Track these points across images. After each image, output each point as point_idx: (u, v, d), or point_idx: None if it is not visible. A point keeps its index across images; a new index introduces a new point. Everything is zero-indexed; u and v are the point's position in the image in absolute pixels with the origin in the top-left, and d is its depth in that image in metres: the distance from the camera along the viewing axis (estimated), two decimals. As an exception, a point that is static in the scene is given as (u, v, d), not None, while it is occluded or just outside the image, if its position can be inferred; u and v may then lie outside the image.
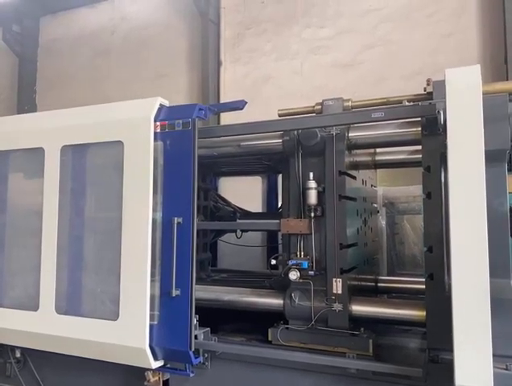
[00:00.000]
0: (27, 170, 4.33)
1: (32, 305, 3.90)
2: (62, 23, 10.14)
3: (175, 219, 3.44)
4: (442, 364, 2.97)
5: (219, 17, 8.52)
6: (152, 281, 3.48)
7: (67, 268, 3.88)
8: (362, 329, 3.49)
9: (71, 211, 3.91)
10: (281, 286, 3.87)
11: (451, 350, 2.63)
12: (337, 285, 3.47)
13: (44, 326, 3.85)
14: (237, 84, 8.35)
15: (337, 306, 3.46)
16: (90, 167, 3.95)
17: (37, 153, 3.97)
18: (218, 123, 7.54)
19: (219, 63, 8.46)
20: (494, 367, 2.55)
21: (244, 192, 5.99)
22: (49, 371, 4.38)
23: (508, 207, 2.92)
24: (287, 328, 3.65)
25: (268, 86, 8.14)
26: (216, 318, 3.96)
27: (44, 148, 3.96)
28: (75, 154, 3.93)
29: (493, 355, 2.52)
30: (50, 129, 4.02)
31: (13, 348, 4.38)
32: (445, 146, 2.80)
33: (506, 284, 2.87)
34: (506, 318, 2.77)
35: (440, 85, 3.01)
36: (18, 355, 4.40)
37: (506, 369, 2.71)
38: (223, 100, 8.25)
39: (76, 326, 3.72)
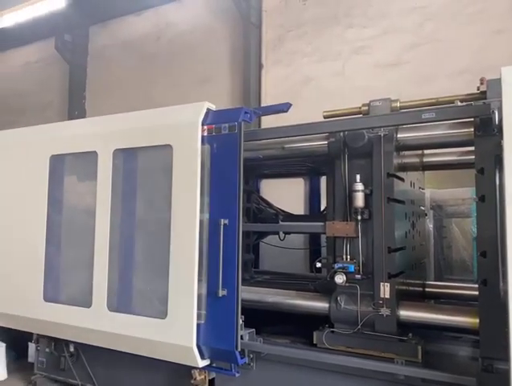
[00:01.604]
0: (81, 172, 4.54)
1: (86, 302, 4.07)
2: (110, 31, 10.55)
3: (222, 220, 3.50)
4: (496, 374, 2.86)
5: (260, 20, 8.57)
6: (199, 280, 3.55)
7: (118, 267, 4.03)
8: (410, 334, 3.42)
9: (122, 213, 4.06)
10: (326, 289, 3.84)
11: (506, 359, 2.53)
12: (385, 290, 3.41)
13: (96, 322, 4.02)
14: (278, 87, 8.36)
15: (385, 311, 3.40)
16: (140, 170, 4.09)
17: (90, 157, 4.15)
18: (259, 125, 7.58)
19: (260, 66, 8.51)
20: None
21: (286, 194, 5.99)
22: (100, 365, 4.55)
23: None
24: (333, 332, 3.63)
25: (309, 88, 8.10)
26: (259, 319, 3.98)
27: (97, 152, 4.14)
28: (126, 158, 4.08)
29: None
30: (102, 133, 4.19)
31: (67, 343, 4.60)
32: (500, 147, 2.71)
33: None
34: None
35: (495, 84, 2.91)
36: (71, 349, 4.61)
37: None
38: (264, 102, 8.29)
39: (126, 324, 3.85)
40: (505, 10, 6.86)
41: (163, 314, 3.64)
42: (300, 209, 5.97)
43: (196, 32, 9.26)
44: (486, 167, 3.06)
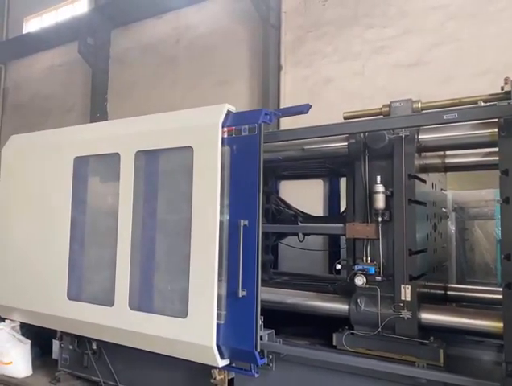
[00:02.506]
0: (104, 173, 4.63)
1: (108, 300, 4.15)
2: (131, 35, 10.72)
3: (242, 221, 3.52)
4: (521, 379, 2.80)
5: (280, 21, 8.58)
6: (219, 281, 3.58)
7: (139, 266, 4.09)
8: (432, 338, 3.38)
9: (144, 213, 4.13)
10: (346, 291, 3.83)
11: (532, 365, 2.48)
12: (406, 292, 3.38)
13: (118, 320, 4.09)
14: (297, 88, 8.35)
15: (406, 313, 3.37)
16: (162, 171, 4.15)
17: (113, 158, 4.24)
18: (278, 127, 7.58)
19: (279, 68, 8.51)
20: None
21: (305, 195, 5.98)
22: (122, 363, 4.63)
23: None
24: (353, 334, 3.61)
25: (329, 88, 8.07)
26: (278, 320, 3.99)
27: (120, 153, 4.22)
28: (148, 159, 4.15)
29: None
30: (125, 135, 4.27)
31: (90, 340, 4.69)
32: (526, 148, 2.66)
33: None
34: None
35: (520, 84, 2.86)
36: (94, 346, 4.71)
37: None
38: (283, 104, 8.28)
39: (147, 322, 3.91)
40: (529, 8, 6.71)
41: (183, 313, 3.68)
42: (319, 210, 5.95)
43: (216, 34, 9.33)
44: (511, 169, 3.01)
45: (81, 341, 4.80)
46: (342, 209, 5.20)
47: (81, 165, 4.61)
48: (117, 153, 4.22)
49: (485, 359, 3.42)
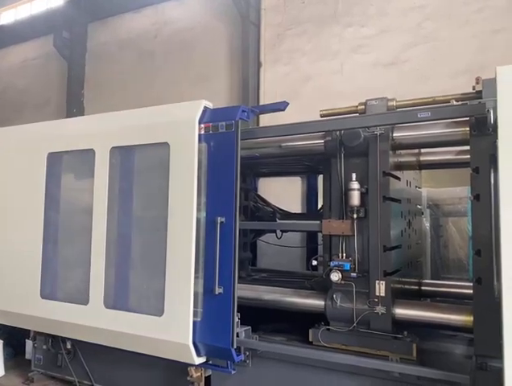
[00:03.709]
0: (79, 170, 4.54)
1: (83, 299, 4.08)
2: (108, 29, 10.55)
3: (219, 218, 3.51)
4: (490, 372, 2.88)
5: (259, 18, 8.58)
6: (196, 278, 3.56)
7: (115, 264, 4.04)
8: (405, 332, 3.44)
9: (119, 210, 4.07)
10: (322, 287, 3.87)
11: (500, 357, 2.55)
12: (380, 288, 3.43)
13: (93, 319, 4.03)
14: (276, 85, 8.37)
15: (380, 309, 3.42)
16: (137, 168, 4.10)
17: (88, 155, 4.16)
18: (257, 124, 7.59)
19: (259, 65, 8.52)
20: (548, 376, 2.45)
21: (284, 193, 6.00)
22: (97, 362, 4.57)
23: None
24: (328, 329, 3.65)
25: (308, 86, 8.12)
26: (255, 317, 4.00)
27: (95, 149, 4.14)
28: (123, 155, 4.08)
29: (547, 364, 2.42)
30: (100, 131, 4.20)
31: (64, 340, 4.62)
32: (495, 147, 2.72)
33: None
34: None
35: (490, 83, 2.92)
36: (68, 346, 4.63)
37: None
38: (262, 101, 8.30)
39: (122, 321, 3.86)
40: (503, 10, 6.88)
41: (159, 311, 3.65)
42: (298, 207, 5.98)
43: (195, 30, 9.26)
44: (481, 166, 3.07)
45: (55, 340, 4.72)
46: (320, 206, 5.25)
47: (55, 161, 4.51)
48: (92, 150, 4.15)
49: (457, 353, 3.50)
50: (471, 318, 3.16)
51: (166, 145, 3.71)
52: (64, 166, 4.61)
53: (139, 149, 3.97)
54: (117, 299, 3.99)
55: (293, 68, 8.26)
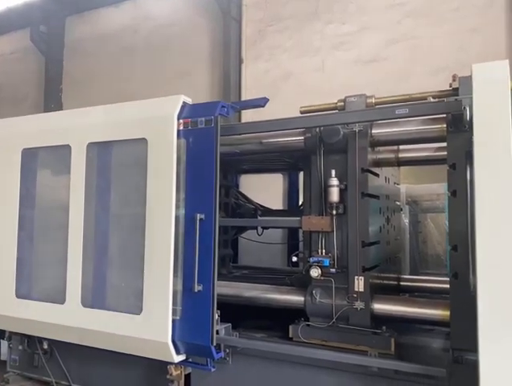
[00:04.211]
0: (54, 166, 4.45)
1: (59, 298, 4.00)
2: (87, 23, 10.35)
3: (198, 215, 3.48)
4: (466, 365, 2.93)
5: (241, 14, 8.54)
6: (175, 276, 3.53)
7: (92, 262, 3.97)
8: (384, 327, 3.46)
9: (96, 207, 4.00)
10: (302, 283, 3.87)
11: (475, 351, 2.59)
12: (359, 283, 3.45)
13: (70, 318, 3.96)
14: (258, 81, 8.35)
15: (359, 304, 3.45)
16: (115, 164, 4.03)
17: (64, 151, 4.07)
18: (239, 120, 7.56)
19: (240, 61, 8.48)
20: (521, 369, 2.50)
21: (266, 189, 6.00)
22: (75, 362, 4.49)
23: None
24: (308, 325, 3.66)
25: (289, 83, 8.12)
26: (237, 314, 3.99)
27: (71, 145, 4.06)
28: (100, 151, 4.01)
29: (521, 357, 2.47)
30: (76, 126, 4.11)
31: (40, 340, 4.52)
32: (471, 143, 2.75)
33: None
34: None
35: (467, 81, 2.96)
36: (45, 346, 4.54)
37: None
38: (244, 97, 8.27)
39: (100, 320, 3.80)
40: (479, 9, 6.99)
41: (138, 309, 3.61)
42: (279, 204, 5.99)
43: (175, 26, 9.17)
44: (458, 163, 3.11)
45: (31, 340, 4.62)
46: (301, 203, 5.25)
47: (30, 157, 4.41)
48: (68, 145, 4.06)
49: (435, 347, 3.54)
50: (448, 313, 3.20)
51: (144, 141, 3.65)
52: (40, 162, 4.51)
53: (117, 145, 3.91)
54: (94, 298, 3.93)
55: (274, 65, 8.25)
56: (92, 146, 3.98)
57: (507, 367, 2.48)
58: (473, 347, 2.63)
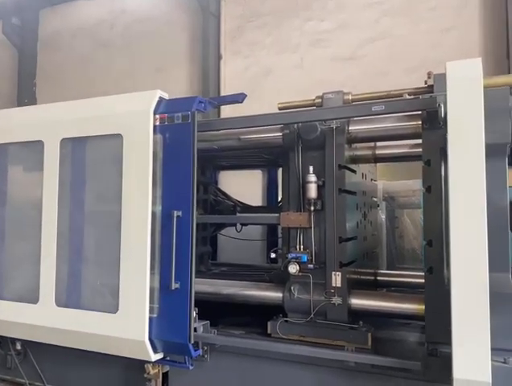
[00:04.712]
0: (27, 162, 4.32)
1: (32, 297, 3.91)
2: (61, 16, 10.09)
3: (175, 212, 3.43)
4: (440, 358, 2.98)
5: (219, 10, 8.47)
6: (152, 274, 3.48)
7: (67, 261, 3.88)
8: (361, 322, 3.50)
9: (71, 204, 3.91)
10: (280, 280, 3.87)
11: (449, 343, 2.64)
12: (336, 279, 3.47)
13: (44, 318, 3.86)
14: (237, 78, 8.31)
15: (336, 300, 3.47)
16: (90, 160, 3.95)
17: (36, 146, 3.96)
18: (218, 116, 7.52)
19: (219, 57, 8.42)
20: (492, 360, 2.57)
21: (244, 186, 5.98)
22: (49, 363, 4.40)
23: (508, 202, 2.92)
24: (286, 321, 3.66)
25: (269, 79, 8.11)
26: (216, 311, 3.97)
27: (44, 141, 3.95)
28: (74, 147, 3.92)
29: (492, 349, 2.53)
30: (49, 121, 4.01)
31: (13, 340, 4.40)
32: (445, 140, 2.79)
33: (505, 278, 2.87)
34: (505, 312, 2.77)
35: (441, 78, 3.00)
36: (18, 347, 4.42)
37: (504, 362, 2.73)
38: (223, 93, 8.21)
39: (75, 319, 3.73)
40: (455, 9, 7.12)
41: (114, 308, 3.55)
42: (259, 201, 5.98)
43: (153, 20, 9.04)
44: (432, 159, 3.16)
45: (4, 341, 4.49)
46: (280, 199, 5.25)
47: (1, 153, 4.27)
48: (41, 141, 3.95)
49: (411, 340, 3.61)
50: (423, 307, 3.25)
51: (119, 136, 3.58)
52: (11, 158, 4.38)
53: (91, 140, 3.82)
54: (69, 297, 3.84)
55: (253, 61, 8.22)
56: (65, 142, 3.88)
57: (479, 359, 2.54)
58: (447, 340, 2.68)
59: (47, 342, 3.99)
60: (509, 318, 2.80)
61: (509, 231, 2.94)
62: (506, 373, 2.70)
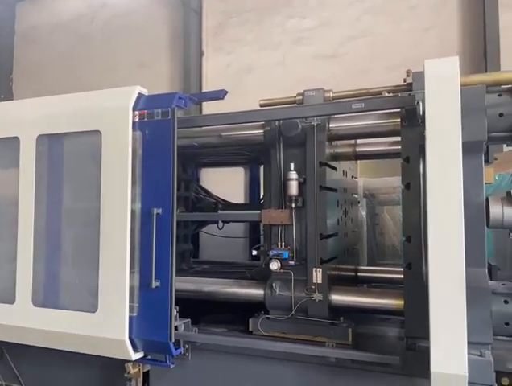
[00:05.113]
0: (2, 159, 4.21)
1: (8, 297, 3.82)
2: (40, 10, 9.88)
3: (155, 210, 3.40)
4: (418, 352, 3.02)
5: (201, 5, 8.41)
6: (132, 272, 3.44)
7: (44, 259, 3.81)
8: (342, 318, 3.53)
9: (48, 202, 3.83)
10: (262, 277, 3.87)
11: (427, 338, 2.68)
12: (317, 275, 3.49)
13: (21, 318, 3.78)
14: (219, 75, 8.27)
15: (317, 296, 3.49)
16: (67, 157, 3.87)
17: (12, 143, 3.87)
18: (200, 114, 7.47)
19: (201, 53, 8.37)
20: (469, 353, 2.61)
21: (226, 183, 5.96)
22: (27, 364, 4.32)
23: (484, 198, 2.97)
24: (268, 318, 3.67)
25: (251, 76, 8.10)
26: (198, 309, 3.95)
27: (19, 137, 3.86)
28: (52, 144, 3.84)
29: (468, 343, 2.57)
30: (25, 117, 3.92)
31: (-11, 342, 4.30)
32: (424, 137, 2.83)
33: (482, 273, 2.93)
34: (481, 307, 2.82)
35: (420, 76, 3.02)
36: (-6, 348, 4.33)
37: (480, 355, 2.78)
38: (205, 90, 8.17)
39: (53, 319, 3.66)
40: (434, 8, 7.22)
41: (93, 307, 3.50)
42: (241, 198, 5.97)
43: (134, 15, 8.93)
44: (411, 156, 3.19)
45: (-20, 343, 4.39)
46: (262, 196, 5.25)
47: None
48: (17, 138, 3.86)
49: (390, 335, 3.66)
50: (402, 302, 3.29)
51: (97, 133, 3.53)
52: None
53: (69, 137, 3.75)
54: (46, 297, 3.77)
55: (236, 58, 8.20)
56: (42, 139, 3.80)
57: (456, 353, 2.58)
58: (426, 335, 2.71)
59: (24, 343, 3.91)
60: (485, 312, 2.85)
61: (486, 227, 2.99)
62: (482, 366, 2.75)
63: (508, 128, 2.98)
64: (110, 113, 3.53)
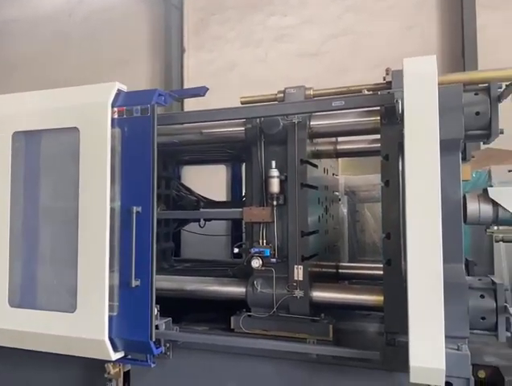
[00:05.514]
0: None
1: (-17, 298, 3.72)
2: (15, 4, 9.64)
3: (134, 208, 3.35)
4: (398, 347, 3.07)
5: (182, 1, 8.33)
6: (111, 271, 3.39)
7: (21, 259, 3.73)
8: (323, 315, 3.55)
9: (24, 201, 3.75)
10: (244, 274, 3.87)
11: (406, 333, 2.71)
12: (298, 272, 3.50)
13: (-3, 320, 3.69)
14: (201, 72, 8.22)
15: (298, 293, 3.50)
16: (45, 154, 3.79)
17: (-14, 140, 3.77)
18: (182, 110, 7.41)
19: (182, 50, 8.30)
20: (446, 347, 2.65)
21: (209, 181, 5.93)
22: (4, 366, 4.23)
23: (461, 195, 3.03)
24: (250, 316, 3.67)
25: (233, 74, 8.07)
26: (180, 308, 3.92)
27: (-6, 134, 3.76)
28: (28, 141, 3.75)
29: (446, 337, 2.62)
30: (0, 114, 3.81)
31: (-36, 344, 4.19)
32: (403, 135, 2.86)
33: (459, 268, 2.98)
34: (458, 301, 2.88)
35: (399, 75, 3.05)
36: (-31, 351, 4.21)
37: (458, 349, 2.84)
38: (187, 87, 8.10)
39: (31, 320, 3.59)
40: (414, 8, 7.31)
41: (71, 307, 3.44)
42: (223, 196, 5.95)
43: (113, 11, 8.79)
44: (391, 154, 3.23)
45: (-46, 346, 4.27)
46: (244, 194, 5.24)
47: None
48: (-9, 134, 3.77)
49: (371, 331, 3.69)
50: (382, 298, 3.33)
51: (75, 130, 3.46)
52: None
53: (46, 134, 3.67)
54: (23, 297, 3.69)
55: (217, 55, 8.16)
56: (18, 135, 3.71)
57: (434, 347, 2.63)
58: (405, 330, 2.75)
59: (0, 345, 3.82)
60: (462, 306, 2.90)
61: (463, 223, 3.05)
62: (459, 359, 2.81)
63: (484, 126, 3.03)
64: (88, 110, 3.47)
